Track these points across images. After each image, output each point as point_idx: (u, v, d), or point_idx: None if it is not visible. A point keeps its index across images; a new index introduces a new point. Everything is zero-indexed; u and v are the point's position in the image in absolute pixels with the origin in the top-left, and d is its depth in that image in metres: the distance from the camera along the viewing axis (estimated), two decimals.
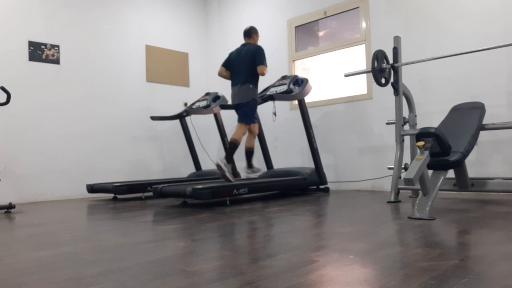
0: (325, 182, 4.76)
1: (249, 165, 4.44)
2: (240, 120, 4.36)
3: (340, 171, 5.16)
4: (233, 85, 4.44)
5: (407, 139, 4.07)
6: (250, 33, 4.49)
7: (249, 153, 4.41)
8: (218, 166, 4.06)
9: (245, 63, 4.31)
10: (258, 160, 5.99)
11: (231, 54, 4.51)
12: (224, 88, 6.49)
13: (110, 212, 3.55)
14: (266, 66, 4.30)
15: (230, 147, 4.22)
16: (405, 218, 2.65)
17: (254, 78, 4.33)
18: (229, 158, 4.19)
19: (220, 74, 4.57)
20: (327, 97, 5.37)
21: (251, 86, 4.32)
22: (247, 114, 4.34)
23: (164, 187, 3.93)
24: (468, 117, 3.29)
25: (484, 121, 3.78)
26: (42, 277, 1.51)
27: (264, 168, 5.32)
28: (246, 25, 6.26)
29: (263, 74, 4.26)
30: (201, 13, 6.85)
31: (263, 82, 5.45)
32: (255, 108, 4.41)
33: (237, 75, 4.38)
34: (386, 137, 4.74)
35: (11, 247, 2.11)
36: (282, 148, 5.76)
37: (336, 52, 5.31)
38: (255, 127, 4.44)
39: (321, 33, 5.56)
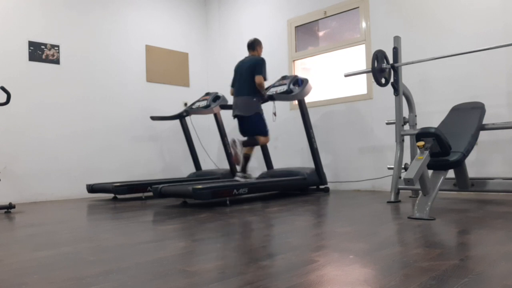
0: (325, 182, 4.76)
1: (243, 169, 4.46)
2: (258, 134, 4.38)
3: (340, 171, 5.16)
4: (235, 96, 4.44)
5: (407, 139, 4.07)
6: (254, 45, 4.48)
7: (246, 158, 4.43)
8: (233, 142, 4.19)
9: (247, 75, 4.30)
10: (258, 160, 5.99)
11: (235, 68, 4.53)
12: (224, 88, 6.49)
13: (110, 212, 3.55)
14: (265, 78, 4.28)
15: (244, 160, 4.36)
16: (405, 218, 2.65)
17: (256, 90, 4.32)
18: (244, 168, 4.39)
19: (232, 95, 4.56)
20: (327, 97, 5.37)
21: (254, 99, 4.31)
22: (260, 128, 4.37)
23: (164, 187, 3.93)
24: (468, 117, 3.29)
25: (484, 121, 3.78)
26: (42, 277, 1.51)
27: (254, 174, 5.29)
28: (246, 25, 6.27)
29: (259, 84, 4.23)
30: (201, 13, 6.85)
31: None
32: (263, 119, 4.42)
33: (240, 86, 4.38)
34: (386, 137, 4.74)
35: (11, 247, 2.11)
36: (282, 148, 5.76)
37: (336, 52, 5.30)
38: (266, 139, 4.46)
39: (321, 33, 5.56)
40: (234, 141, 4.21)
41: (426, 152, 2.74)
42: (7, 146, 4.72)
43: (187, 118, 6.07)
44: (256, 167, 6.03)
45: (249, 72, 4.29)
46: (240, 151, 4.19)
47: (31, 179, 4.87)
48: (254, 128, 4.38)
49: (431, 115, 4.38)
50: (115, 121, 5.65)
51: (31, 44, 4.93)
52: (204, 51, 6.84)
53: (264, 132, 4.42)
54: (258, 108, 4.35)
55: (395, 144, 3.84)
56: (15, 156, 4.77)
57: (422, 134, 2.77)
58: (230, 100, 5.95)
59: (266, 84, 5.52)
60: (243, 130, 4.46)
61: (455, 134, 3.10)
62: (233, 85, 4.54)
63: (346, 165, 5.10)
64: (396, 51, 3.66)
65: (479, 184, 3.38)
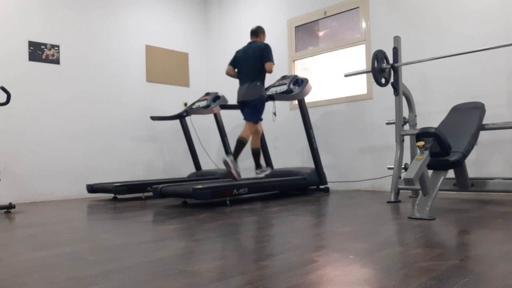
0: (325, 182, 4.76)
1: (257, 165, 4.49)
2: (248, 118, 4.41)
3: (340, 171, 5.16)
4: (241, 83, 4.48)
5: (407, 139, 4.07)
6: (258, 32, 4.55)
7: (256, 154, 4.47)
8: (225, 162, 4.11)
9: (253, 61, 4.36)
10: None
11: (237, 53, 4.55)
12: (224, 88, 6.49)
13: (110, 212, 3.55)
14: (274, 64, 4.37)
15: (237, 145, 4.27)
16: (405, 218, 2.65)
17: (261, 76, 4.39)
18: (236, 155, 4.25)
19: (228, 73, 4.62)
20: (327, 97, 5.37)
21: (258, 83, 4.37)
22: (254, 113, 4.39)
23: (164, 187, 3.93)
24: (468, 117, 3.29)
25: (484, 121, 3.78)
26: (42, 277, 1.51)
27: (253, 174, 5.31)
28: (246, 25, 6.27)
29: (270, 71, 4.32)
30: (201, 13, 6.85)
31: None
32: (263, 106, 4.44)
33: (245, 73, 4.43)
34: (386, 137, 4.74)
35: (11, 247, 2.11)
36: (282, 148, 5.76)
37: (336, 52, 5.30)
38: (260, 126, 4.49)
39: (321, 33, 5.56)
40: (226, 162, 4.12)
41: (426, 152, 2.74)
42: (7, 146, 4.72)
43: (187, 118, 6.07)
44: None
45: (255, 58, 4.34)
46: (233, 168, 4.14)
47: (31, 179, 4.87)
48: (253, 112, 4.38)
49: (431, 115, 4.38)
50: (115, 121, 5.65)
51: (31, 44, 4.93)
52: (204, 51, 6.84)
53: (258, 118, 4.42)
54: (261, 91, 4.39)
55: (395, 144, 3.84)
56: (15, 156, 4.77)
57: (422, 134, 2.77)
58: (230, 99, 5.96)
59: (266, 84, 5.53)
60: (244, 115, 4.50)
61: (455, 134, 3.10)
62: (232, 64, 4.57)
63: (346, 165, 5.10)
64: (396, 51, 3.66)
65: (479, 184, 3.38)
